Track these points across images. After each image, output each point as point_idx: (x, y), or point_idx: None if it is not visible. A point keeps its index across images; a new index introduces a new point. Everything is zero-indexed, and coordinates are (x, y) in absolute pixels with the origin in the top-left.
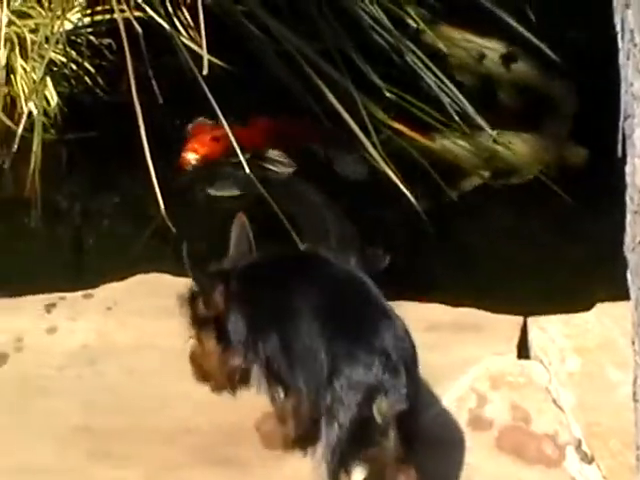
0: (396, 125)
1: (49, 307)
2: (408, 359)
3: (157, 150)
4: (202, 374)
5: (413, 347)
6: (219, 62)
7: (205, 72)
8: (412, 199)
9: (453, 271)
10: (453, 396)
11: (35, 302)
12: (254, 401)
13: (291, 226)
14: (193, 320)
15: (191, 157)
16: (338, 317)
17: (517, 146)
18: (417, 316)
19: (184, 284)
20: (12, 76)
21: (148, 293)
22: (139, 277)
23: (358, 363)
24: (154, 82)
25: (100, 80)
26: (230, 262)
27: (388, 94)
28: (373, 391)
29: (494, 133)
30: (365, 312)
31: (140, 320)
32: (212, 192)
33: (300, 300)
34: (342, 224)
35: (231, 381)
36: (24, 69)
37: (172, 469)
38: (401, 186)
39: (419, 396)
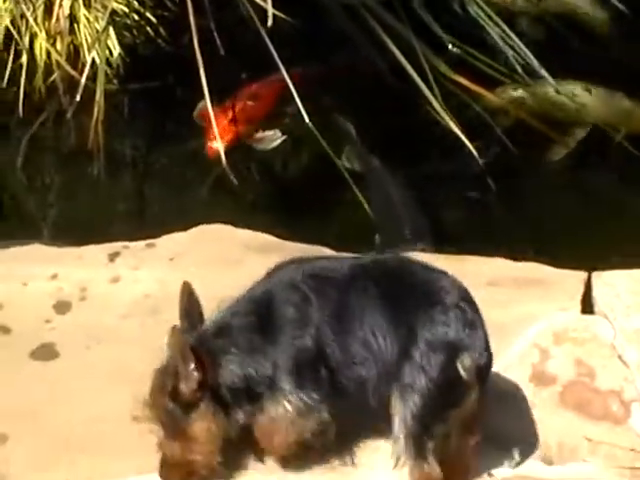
0: (459, 78)
1: (112, 256)
2: (478, 312)
3: (219, 101)
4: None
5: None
6: (282, 15)
7: (269, 24)
8: (474, 152)
9: (515, 226)
10: (516, 352)
11: (98, 251)
12: None
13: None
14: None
15: (217, 146)
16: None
17: (581, 97)
18: (479, 271)
19: (246, 235)
20: (75, 26)
21: (210, 243)
22: (201, 227)
23: (435, 323)
24: (216, 34)
25: (162, 31)
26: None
27: (451, 47)
28: (456, 349)
29: (557, 84)
30: (420, 279)
31: (202, 270)
32: (259, 148)
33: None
34: (415, 216)
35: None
36: (87, 19)
37: None
38: (464, 139)
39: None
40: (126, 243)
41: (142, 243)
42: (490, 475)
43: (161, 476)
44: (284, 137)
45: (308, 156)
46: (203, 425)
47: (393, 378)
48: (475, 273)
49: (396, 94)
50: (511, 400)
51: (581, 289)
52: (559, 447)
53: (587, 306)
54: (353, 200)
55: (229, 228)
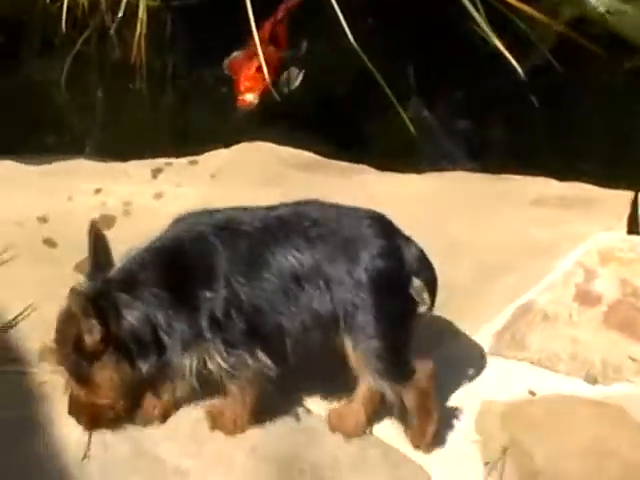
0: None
1: (156, 172)
2: (409, 238)
3: (262, 17)
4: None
5: None
6: None
7: None
8: (519, 69)
9: (561, 144)
10: (560, 271)
11: (142, 167)
12: None
13: None
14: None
15: (250, 97)
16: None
17: (629, 16)
18: (523, 190)
19: (289, 153)
20: None
21: (252, 161)
22: (243, 145)
23: (373, 258)
24: None
25: None
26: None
27: None
28: (405, 276)
29: (608, 3)
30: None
31: (243, 188)
32: (286, 90)
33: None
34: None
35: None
36: None
37: None
38: (508, 56)
39: None
40: (169, 159)
41: (185, 160)
42: (532, 393)
43: (70, 414)
44: (303, 72)
45: (352, 76)
46: (106, 374)
47: (340, 323)
48: (519, 192)
49: (439, 11)
50: (555, 320)
51: (627, 209)
52: (603, 367)
53: (633, 226)
54: (396, 120)
55: (271, 145)
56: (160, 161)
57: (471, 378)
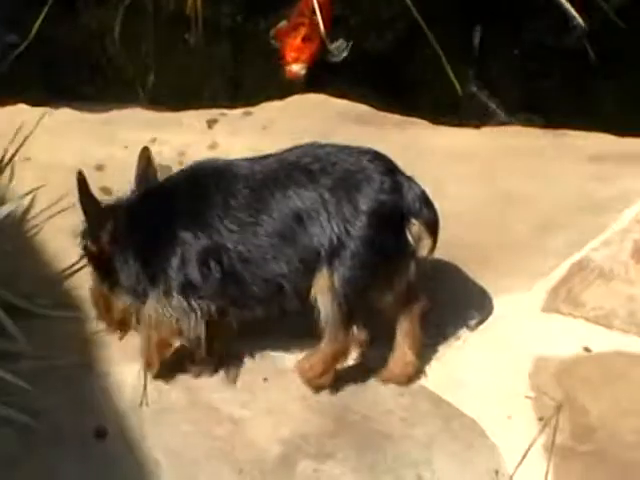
0: None
1: (210, 123)
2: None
3: None
4: (98, 312)
5: None
6: None
7: None
8: (580, 21)
9: (620, 101)
10: (617, 227)
11: (197, 117)
12: None
13: None
14: (86, 257)
15: (297, 68)
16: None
17: None
18: (582, 145)
19: (342, 105)
20: None
21: (304, 114)
22: (297, 97)
23: (373, 195)
24: None
25: None
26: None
27: None
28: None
29: None
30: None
31: (294, 140)
32: (335, 60)
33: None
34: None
35: (118, 323)
36: None
37: None
38: (572, 10)
39: None
40: (224, 110)
41: (239, 111)
42: (587, 350)
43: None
44: (351, 43)
45: (405, 31)
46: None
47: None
48: (578, 148)
49: None
50: (610, 277)
51: None
52: None
53: None
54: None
55: (325, 97)
56: (215, 112)
57: (525, 334)
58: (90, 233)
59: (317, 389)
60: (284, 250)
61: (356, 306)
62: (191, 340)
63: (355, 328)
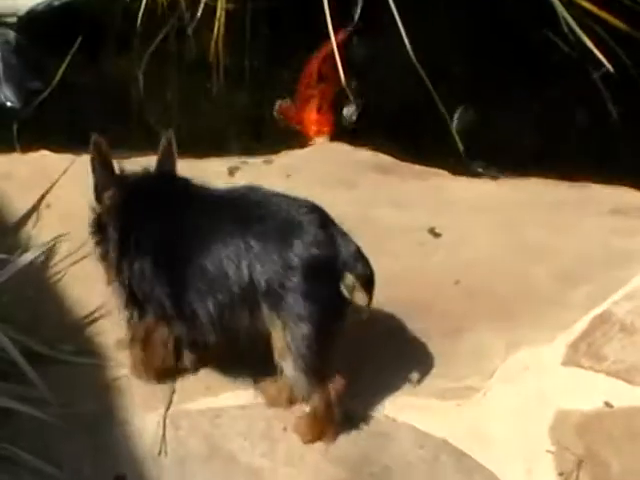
0: (585, 3)
1: (232, 170)
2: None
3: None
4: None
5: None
6: None
7: None
8: (608, 66)
9: None
10: (638, 282)
11: (219, 165)
12: (438, 276)
13: None
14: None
15: (321, 140)
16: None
17: None
18: (602, 199)
19: (363, 155)
20: None
21: (327, 161)
22: (318, 146)
23: (308, 247)
24: None
25: None
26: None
27: None
28: (337, 270)
29: None
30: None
31: (318, 188)
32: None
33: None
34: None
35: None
36: None
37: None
38: (599, 55)
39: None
40: (245, 158)
41: (260, 159)
42: (608, 405)
43: None
44: (361, 108)
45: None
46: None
47: (269, 307)
48: (598, 201)
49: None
50: (632, 331)
51: None
52: None
53: None
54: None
55: (345, 146)
56: (236, 159)
57: (547, 388)
58: (95, 195)
59: (328, 440)
60: (199, 286)
61: (318, 363)
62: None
63: (331, 381)
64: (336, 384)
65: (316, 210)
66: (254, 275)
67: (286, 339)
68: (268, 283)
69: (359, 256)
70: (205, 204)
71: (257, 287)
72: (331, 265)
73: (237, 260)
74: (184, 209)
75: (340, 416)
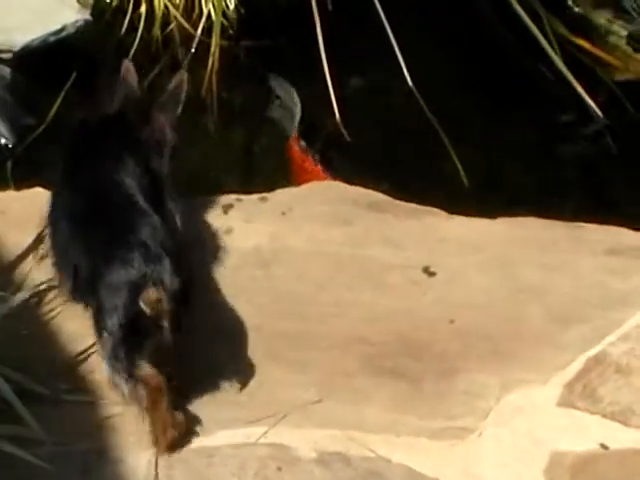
0: (579, 40)
1: (226, 208)
2: (170, 247)
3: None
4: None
5: (174, 236)
6: None
7: None
8: (597, 111)
9: (636, 192)
10: (635, 322)
11: (213, 203)
12: (432, 315)
13: None
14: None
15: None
16: (93, 221)
17: None
18: (597, 239)
19: (357, 192)
20: None
21: (322, 199)
22: (312, 184)
23: (116, 263)
24: None
25: None
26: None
27: (576, 9)
28: (138, 286)
29: None
30: (119, 213)
31: (314, 226)
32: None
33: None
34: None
35: None
36: None
37: (344, 377)
38: (586, 98)
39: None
40: (239, 196)
41: (255, 197)
42: (604, 447)
43: None
44: None
45: (417, 118)
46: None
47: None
48: (593, 240)
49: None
50: (627, 372)
51: None
52: None
53: None
54: (463, 162)
55: (340, 184)
56: (231, 197)
57: (541, 429)
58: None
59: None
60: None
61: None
62: None
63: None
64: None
65: (144, 227)
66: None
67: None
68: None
69: (172, 274)
70: None
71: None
72: (134, 284)
73: None
74: None
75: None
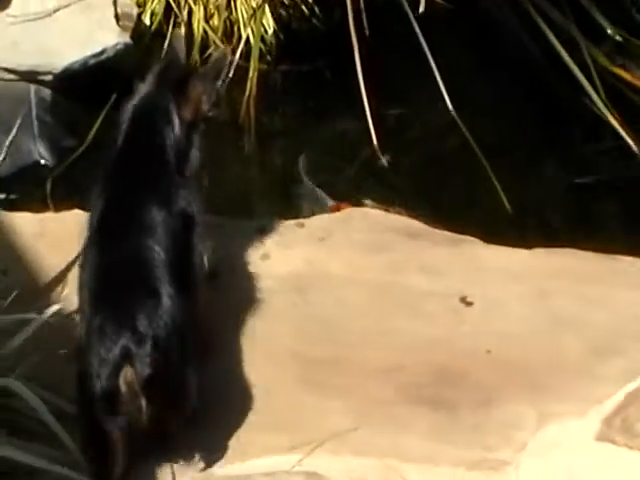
0: (619, 71)
1: (263, 233)
2: (162, 333)
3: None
4: None
5: (174, 325)
6: None
7: (421, 10)
8: (633, 145)
9: None
10: None
11: (250, 227)
12: (469, 345)
13: None
14: None
15: None
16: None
17: None
18: (633, 271)
19: (393, 219)
20: (232, 1)
21: (360, 226)
22: (351, 210)
23: (106, 339)
24: (364, 15)
25: (316, 9)
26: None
27: (618, 37)
28: (120, 363)
29: None
30: (130, 291)
31: (351, 253)
32: None
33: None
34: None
35: None
36: None
37: (380, 405)
38: (621, 131)
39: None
40: (277, 221)
41: (292, 222)
42: None
43: None
44: None
45: (457, 145)
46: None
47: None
48: (630, 272)
49: (552, 85)
50: None
51: None
52: None
53: None
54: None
55: (378, 211)
56: (267, 222)
57: (579, 463)
58: None
59: None
60: None
61: None
62: None
63: None
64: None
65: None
66: None
67: None
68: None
69: (152, 356)
70: None
71: None
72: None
73: None
74: None
75: None
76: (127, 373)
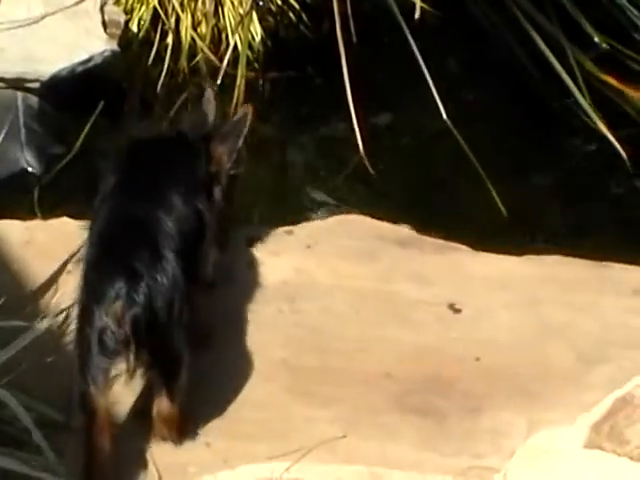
0: (606, 77)
1: (252, 241)
2: (159, 288)
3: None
4: None
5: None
6: (427, 7)
7: (416, 18)
8: (621, 151)
9: None
10: None
11: (238, 236)
12: (458, 353)
13: None
14: None
15: None
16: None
17: None
18: (624, 278)
19: (384, 227)
20: (220, 8)
21: (347, 234)
22: (340, 217)
23: (103, 277)
24: (352, 22)
25: (304, 17)
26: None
27: (604, 45)
28: (109, 299)
29: None
30: (135, 247)
31: (339, 261)
32: None
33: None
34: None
35: None
36: (232, 2)
37: (369, 413)
38: (609, 136)
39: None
40: (265, 229)
41: (281, 230)
42: None
43: None
44: None
45: (446, 151)
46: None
47: None
48: (620, 280)
49: (541, 90)
50: None
51: None
52: None
53: None
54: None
55: (367, 219)
56: (255, 230)
57: (568, 470)
58: None
59: None
60: None
61: None
62: None
63: None
64: None
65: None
66: None
67: None
68: None
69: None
70: None
71: None
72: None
73: None
74: None
75: None
76: (117, 308)
